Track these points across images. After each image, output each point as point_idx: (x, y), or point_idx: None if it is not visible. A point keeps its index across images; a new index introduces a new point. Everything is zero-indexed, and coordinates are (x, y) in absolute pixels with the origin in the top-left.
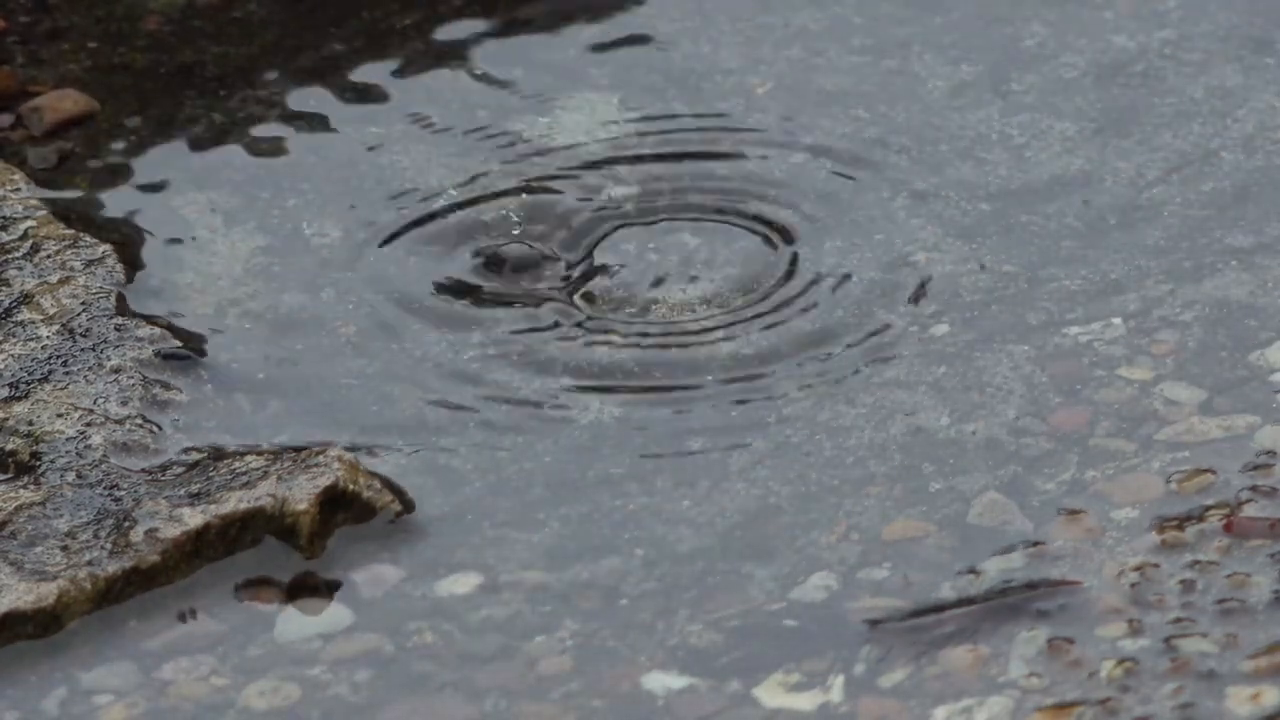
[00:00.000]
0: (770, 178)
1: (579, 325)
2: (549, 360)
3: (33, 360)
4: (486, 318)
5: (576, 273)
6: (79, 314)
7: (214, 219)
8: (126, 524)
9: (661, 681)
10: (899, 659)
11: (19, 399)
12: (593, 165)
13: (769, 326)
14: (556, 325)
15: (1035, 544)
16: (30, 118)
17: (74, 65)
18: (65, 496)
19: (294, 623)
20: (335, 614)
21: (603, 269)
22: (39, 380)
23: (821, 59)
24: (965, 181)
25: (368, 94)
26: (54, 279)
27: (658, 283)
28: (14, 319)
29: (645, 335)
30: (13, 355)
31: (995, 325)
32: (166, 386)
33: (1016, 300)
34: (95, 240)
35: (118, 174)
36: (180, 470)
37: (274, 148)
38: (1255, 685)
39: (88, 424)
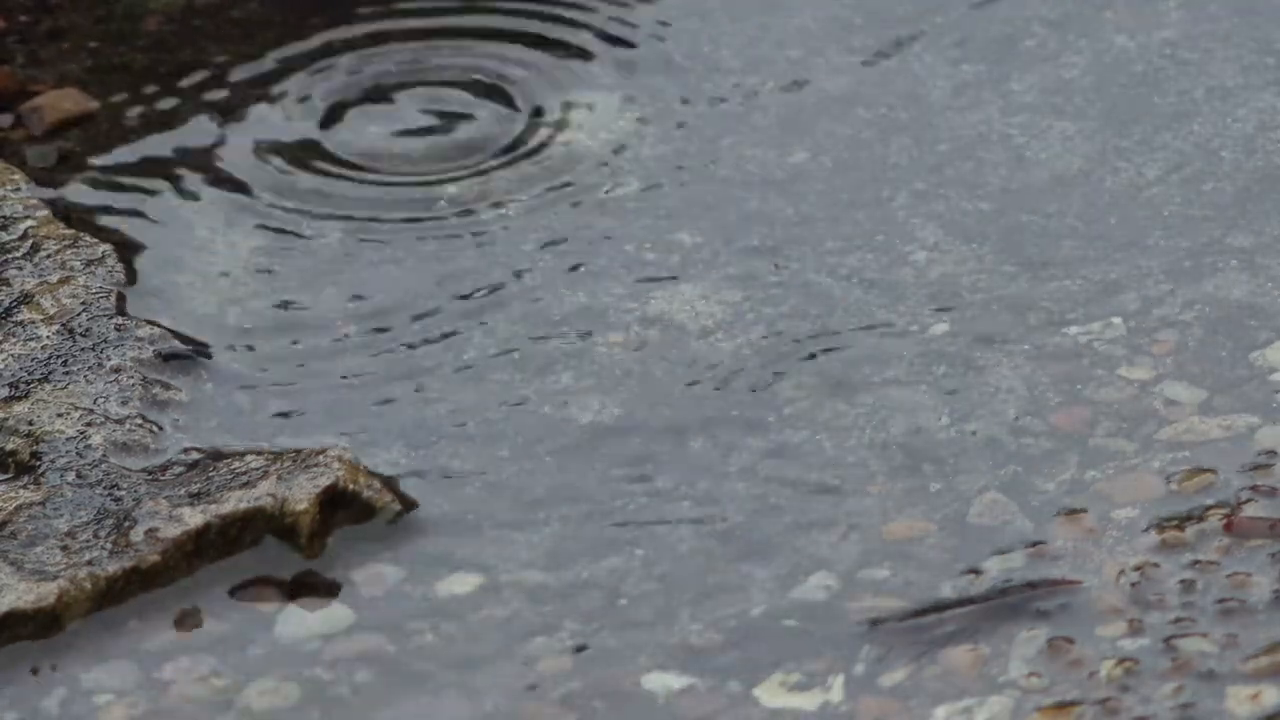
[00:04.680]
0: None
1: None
2: (549, 359)
3: (33, 360)
4: (484, 314)
5: None
6: (79, 314)
7: (214, 219)
8: (126, 524)
9: (661, 681)
10: (899, 659)
11: (19, 399)
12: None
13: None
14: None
15: (1035, 544)
16: (30, 117)
17: (74, 65)
18: (65, 496)
19: (294, 623)
20: (335, 614)
21: None
22: (39, 380)
23: (821, 59)
24: (965, 181)
25: (368, 94)
26: (54, 279)
27: None
28: (14, 319)
29: None
30: (13, 355)
31: (995, 325)
32: (166, 386)
33: (1016, 300)
34: (95, 240)
35: (118, 174)
36: (180, 470)
37: (274, 148)
38: (1255, 685)
39: (88, 424)
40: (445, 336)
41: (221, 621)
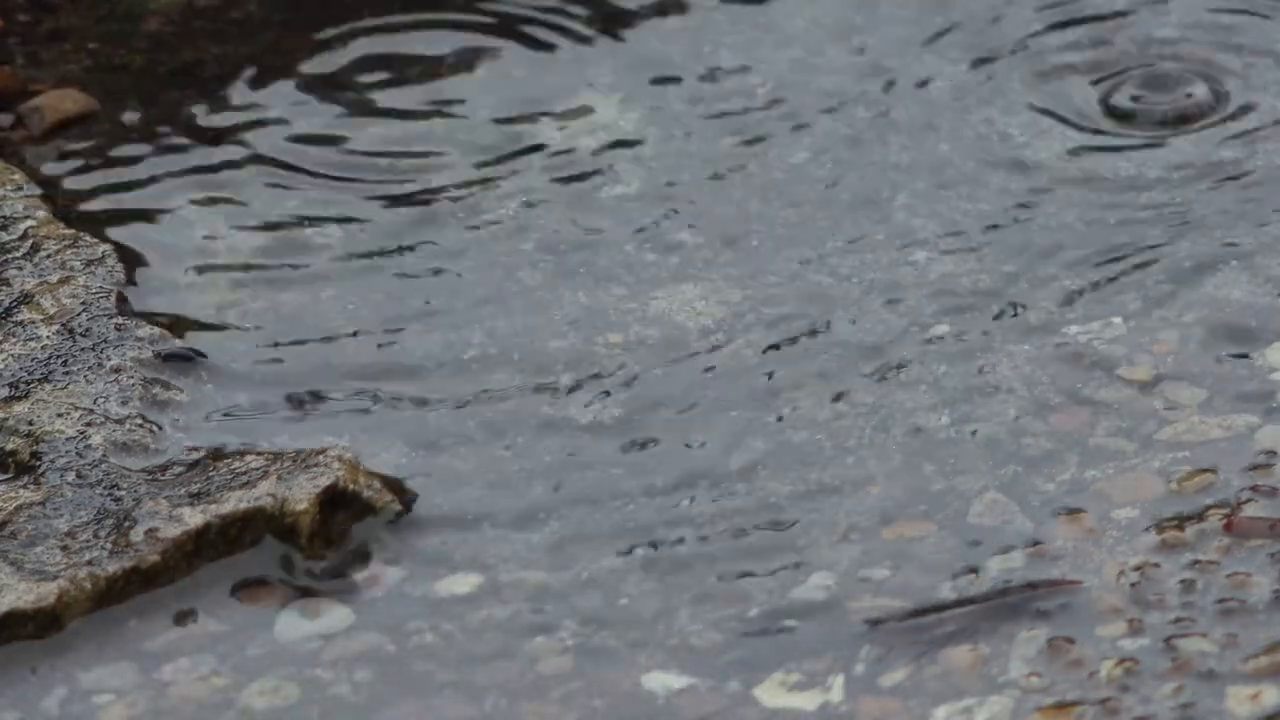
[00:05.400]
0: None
1: None
2: (549, 359)
3: (33, 360)
4: (484, 314)
5: None
6: (79, 314)
7: (214, 219)
8: (126, 524)
9: (661, 681)
10: (899, 659)
11: (19, 399)
12: None
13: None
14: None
15: (1035, 544)
16: (31, 117)
17: (74, 65)
18: (65, 496)
19: (294, 623)
20: (335, 614)
21: None
22: (39, 380)
23: (821, 59)
24: (965, 181)
25: (368, 94)
26: (54, 279)
27: None
28: (14, 319)
29: None
30: (13, 355)
31: (995, 325)
32: (166, 386)
33: (1016, 300)
34: (95, 240)
35: (118, 174)
36: (180, 470)
37: (274, 147)
38: (1255, 685)
39: (88, 424)
40: (446, 336)
41: (221, 621)
